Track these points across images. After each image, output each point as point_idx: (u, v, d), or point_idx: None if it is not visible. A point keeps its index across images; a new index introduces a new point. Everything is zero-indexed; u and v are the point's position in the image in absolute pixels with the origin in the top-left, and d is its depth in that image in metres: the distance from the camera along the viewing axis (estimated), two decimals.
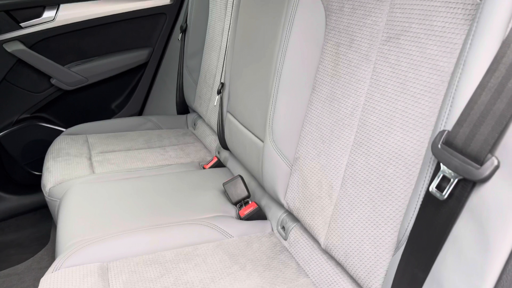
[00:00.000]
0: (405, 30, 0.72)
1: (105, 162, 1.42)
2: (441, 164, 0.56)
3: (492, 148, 0.50)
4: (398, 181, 0.71)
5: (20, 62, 1.70)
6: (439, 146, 0.56)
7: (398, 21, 0.73)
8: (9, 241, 1.77)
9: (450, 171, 0.54)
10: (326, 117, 0.91)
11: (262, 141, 1.10)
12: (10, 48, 1.65)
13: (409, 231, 0.64)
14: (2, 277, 1.49)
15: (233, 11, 1.34)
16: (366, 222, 0.78)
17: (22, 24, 1.66)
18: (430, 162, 0.60)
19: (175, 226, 1.05)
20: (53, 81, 1.78)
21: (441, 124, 0.59)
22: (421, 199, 0.62)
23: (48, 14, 1.70)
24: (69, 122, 1.88)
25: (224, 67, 1.42)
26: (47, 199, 1.31)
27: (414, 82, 0.69)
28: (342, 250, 0.84)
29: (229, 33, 1.38)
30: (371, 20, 0.79)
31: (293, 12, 0.97)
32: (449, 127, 0.57)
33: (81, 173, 1.34)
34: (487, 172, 0.50)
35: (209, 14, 1.62)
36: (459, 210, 0.54)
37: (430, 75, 0.67)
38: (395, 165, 0.72)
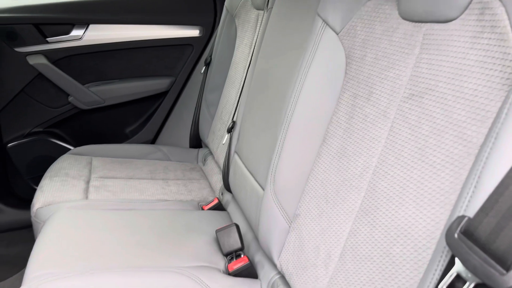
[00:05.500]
0: (430, 89, 0.62)
1: (102, 189, 1.35)
2: (456, 258, 0.44)
3: None
4: (405, 265, 0.59)
5: (40, 76, 1.69)
6: (456, 235, 0.44)
7: (423, 77, 0.64)
8: None
9: (466, 270, 0.43)
10: (333, 174, 0.81)
11: (263, 189, 1.00)
12: (33, 61, 1.65)
13: None
14: None
15: (254, 50, 1.29)
16: None
17: (48, 39, 1.67)
18: (443, 252, 0.49)
19: (154, 272, 0.95)
20: (70, 98, 1.76)
21: (461, 207, 0.47)
22: None
23: (76, 32, 1.70)
24: (80, 141, 1.84)
25: (238, 106, 1.35)
26: (32, 219, 1.24)
27: (435, 150, 0.59)
28: None
29: (248, 71, 1.31)
30: (394, 73, 0.70)
31: (312, 55, 0.89)
32: (471, 212, 0.45)
33: (73, 197, 1.27)
34: None
35: (235, 50, 1.58)
36: None
37: (455, 144, 0.56)
38: (402, 244, 0.60)
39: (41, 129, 1.80)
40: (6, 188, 1.79)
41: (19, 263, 1.66)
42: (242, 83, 1.41)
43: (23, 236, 1.79)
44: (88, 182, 1.38)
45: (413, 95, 0.65)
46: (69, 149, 1.80)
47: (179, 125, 1.93)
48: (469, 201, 0.46)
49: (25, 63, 1.64)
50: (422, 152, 0.61)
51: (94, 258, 0.97)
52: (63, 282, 0.87)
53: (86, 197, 1.29)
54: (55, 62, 1.69)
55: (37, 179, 1.83)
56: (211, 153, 1.68)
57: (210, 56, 1.75)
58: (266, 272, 1.01)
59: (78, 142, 1.85)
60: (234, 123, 1.31)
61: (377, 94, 0.73)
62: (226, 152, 1.34)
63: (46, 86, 1.73)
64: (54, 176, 1.39)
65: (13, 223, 1.76)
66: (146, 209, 1.26)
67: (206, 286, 0.93)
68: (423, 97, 0.63)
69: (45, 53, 1.67)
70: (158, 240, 1.08)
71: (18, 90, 1.68)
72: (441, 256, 0.49)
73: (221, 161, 1.47)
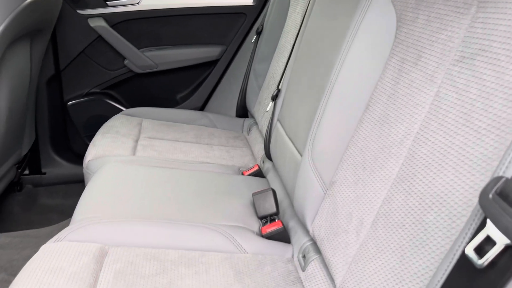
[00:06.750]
0: (483, 50, 0.57)
1: (149, 148, 1.40)
2: (487, 220, 0.42)
3: None
4: (437, 233, 0.57)
5: (100, 39, 1.77)
6: (490, 196, 0.42)
7: (477, 37, 0.59)
8: (54, 206, 1.83)
9: (498, 231, 0.40)
10: (373, 141, 0.78)
11: (302, 156, 0.99)
12: (94, 23, 1.72)
13: None
14: (22, 236, 1.53)
15: (305, 18, 1.26)
16: (389, 273, 0.64)
17: (108, 3, 1.73)
18: (476, 216, 0.46)
19: (189, 226, 0.98)
20: (125, 62, 1.83)
21: (501, 169, 0.44)
22: (455, 260, 0.47)
23: None
24: (133, 103, 1.92)
25: (285, 74, 1.34)
26: (84, 171, 1.32)
27: (481, 114, 0.55)
28: None
29: (296, 39, 1.29)
30: (446, 35, 0.66)
31: (360, 19, 0.86)
32: (510, 174, 0.42)
33: (122, 153, 1.33)
34: None
35: (287, 19, 1.56)
36: (501, 286, 0.39)
37: (504, 107, 0.52)
38: (437, 211, 0.58)
39: (98, 90, 1.90)
40: (65, 143, 1.91)
41: (72, 213, 1.79)
42: (291, 52, 1.39)
43: (78, 189, 1.91)
44: (136, 141, 1.45)
45: (464, 57, 0.61)
46: (122, 110, 1.89)
47: (227, 94, 1.95)
48: (509, 162, 0.43)
49: (87, 25, 1.72)
50: (468, 117, 0.57)
51: (135, 208, 1.02)
52: (104, 226, 0.92)
53: (134, 154, 1.35)
54: (113, 26, 1.76)
55: (92, 137, 1.94)
56: (256, 123, 1.68)
57: (262, 25, 1.74)
58: (298, 238, 1.01)
59: (131, 104, 1.93)
60: (279, 90, 1.30)
61: (425, 58, 0.69)
62: (269, 120, 1.34)
63: (104, 49, 1.80)
64: (106, 132, 1.46)
65: (70, 176, 1.89)
66: (188, 169, 1.29)
67: (238, 244, 0.95)
68: (474, 59, 0.59)
69: (105, 17, 1.74)
70: (197, 198, 1.11)
71: (79, 51, 1.77)
72: (473, 220, 0.46)
73: (265, 130, 1.47)
